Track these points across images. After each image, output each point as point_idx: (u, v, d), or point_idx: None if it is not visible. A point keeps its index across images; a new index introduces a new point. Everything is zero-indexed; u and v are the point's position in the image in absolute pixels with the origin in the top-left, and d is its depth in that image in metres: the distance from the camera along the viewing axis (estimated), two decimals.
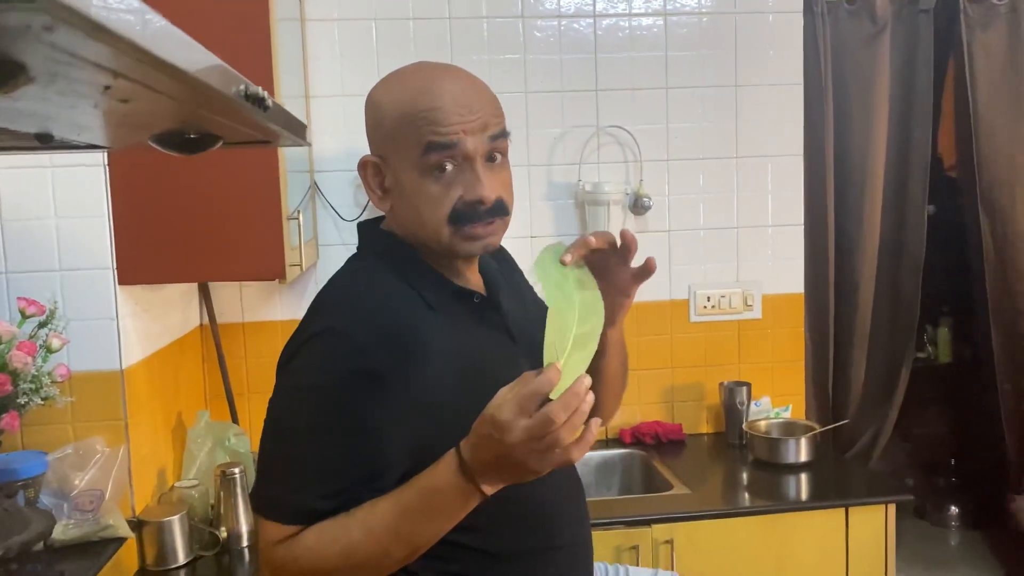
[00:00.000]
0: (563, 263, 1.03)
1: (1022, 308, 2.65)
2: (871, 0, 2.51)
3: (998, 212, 2.64)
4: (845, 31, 2.54)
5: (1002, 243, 2.65)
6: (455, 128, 1.05)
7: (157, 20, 0.39)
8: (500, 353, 1.17)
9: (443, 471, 0.94)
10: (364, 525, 0.98)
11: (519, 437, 0.87)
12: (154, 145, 0.75)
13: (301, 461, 1.02)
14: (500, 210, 1.09)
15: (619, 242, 1.11)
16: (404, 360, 1.02)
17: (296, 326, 1.11)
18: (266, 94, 0.58)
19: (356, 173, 2.36)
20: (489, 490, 0.94)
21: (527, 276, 1.39)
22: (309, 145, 1.02)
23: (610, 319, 1.13)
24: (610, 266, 1.11)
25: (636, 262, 1.15)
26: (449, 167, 1.06)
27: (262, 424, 1.09)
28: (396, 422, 1.01)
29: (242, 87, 0.54)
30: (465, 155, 1.06)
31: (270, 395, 1.09)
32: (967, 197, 2.70)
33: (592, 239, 1.08)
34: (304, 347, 1.05)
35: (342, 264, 1.18)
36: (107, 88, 0.46)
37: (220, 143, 0.79)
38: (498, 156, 1.10)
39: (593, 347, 0.99)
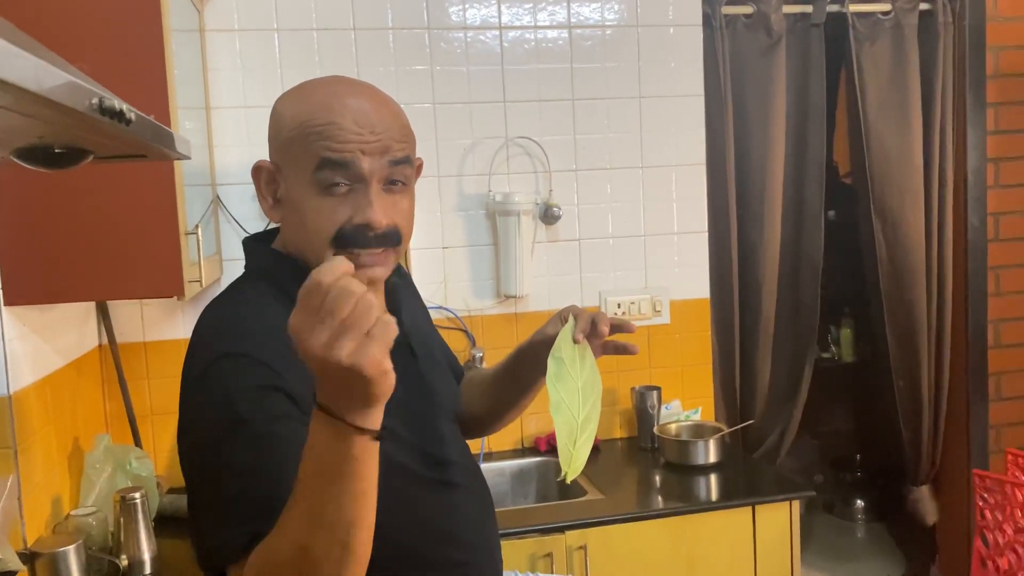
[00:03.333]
0: (576, 341, 1.12)
1: (913, 308, 2.79)
2: (766, 14, 2.61)
3: (889, 216, 2.77)
4: (743, 44, 2.63)
5: (893, 245, 2.78)
6: (351, 147, 1.01)
7: None
8: (402, 369, 1.16)
9: (312, 428, 0.83)
10: (278, 525, 0.86)
11: (302, 323, 0.76)
12: (17, 160, 0.72)
13: (239, 496, 0.92)
14: (391, 239, 1.05)
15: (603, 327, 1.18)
16: (302, 380, 0.99)
17: None
18: (125, 107, 0.56)
19: None
20: (350, 415, 0.79)
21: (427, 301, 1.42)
22: (188, 158, 0.98)
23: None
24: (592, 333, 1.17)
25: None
26: (342, 186, 1.02)
27: (167, 446, 1.02)
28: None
29: (95, 100, 0.53)
30: (359, 176, 1.02)
31: (175, 416, 1.04)
32: (862, 203, 2.83)
33: (605, 328, 1.15)
34: (203, 380, 0.99)
35: (225, 287, 1.13)
36: None
37: (91, 157, 0.76)
38: (399, 183, 1.06)
39: (596, 420, 1.13)
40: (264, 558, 0.86)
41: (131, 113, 0.59)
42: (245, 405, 0.95)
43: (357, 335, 0.76)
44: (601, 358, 1.19)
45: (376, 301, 0.77)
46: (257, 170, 1.10)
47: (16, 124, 0.56)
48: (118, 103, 0.56)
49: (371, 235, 1.03)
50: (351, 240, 1.03)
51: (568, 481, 1.12)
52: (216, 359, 0.98)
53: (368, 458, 0.81)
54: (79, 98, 0.52)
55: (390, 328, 0.77)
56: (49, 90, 0.45)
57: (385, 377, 0.78)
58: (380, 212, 1.03)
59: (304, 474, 0.82)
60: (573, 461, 1.11)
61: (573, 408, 1.11)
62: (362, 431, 0.79)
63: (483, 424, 1.40)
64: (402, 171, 1.06)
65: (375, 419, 0.80)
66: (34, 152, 0.68)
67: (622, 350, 1.20)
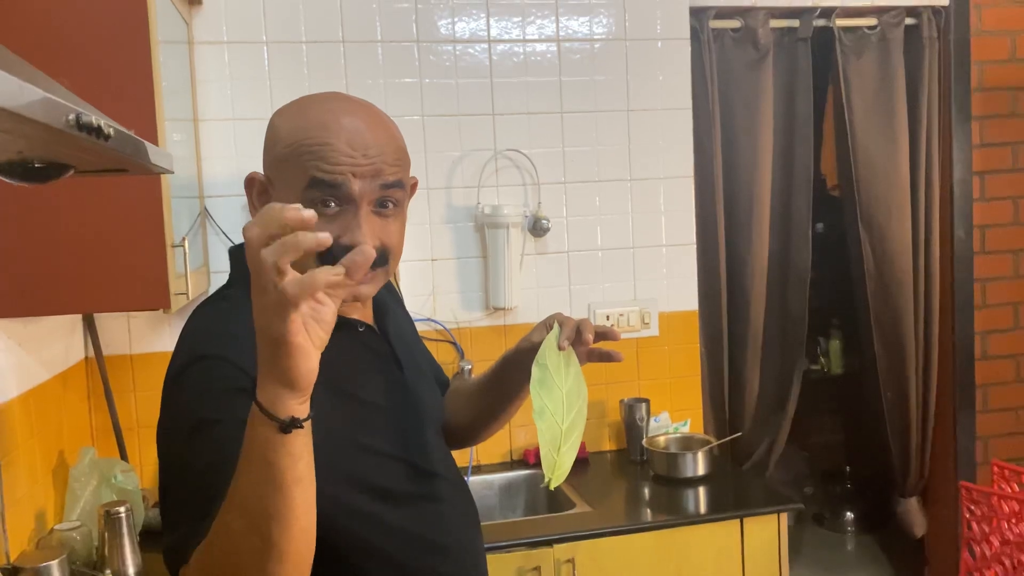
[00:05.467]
0: (560, 348, 1.12)
1: (900, 320, 2.80)
2: (753, 28, 2.62)
3: (876, 228, 2.78)
4: (730, 57, 2.65)
5: (880, 257, 2.79)
6: (343, 169, 1.02)
7: None
8: (386, 381, 1.16)
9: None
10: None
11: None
12: None
13: (197, 496, 0.92)
14: (378, 260, 1.04)
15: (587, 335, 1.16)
16: None
17: None
18: (103, 122, 0.56)
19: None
20: (263, 393, 0.78)
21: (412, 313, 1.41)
22: (171, 172, 0.98)
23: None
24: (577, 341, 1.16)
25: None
26: (332, 205, 1.02)
27: (153, 459, 1.01)
28: None
29: (72, 117, 0.53)
30: (349, 198, 1.02)
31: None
32: (849, 215, 2.84)
33: (589, 336, 1.13)
34: (177, 382, 1.00)
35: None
36: None
37: (71, 172, 0.76)
38: (390, 205, 1.06)
39: (581, 427, 1.11)
40: (202, 545, 0.87)
41: (110, 128, 0.59)
42: (215, 406, 0.95)
43: (263, 289, 0.74)
44: (590, 369, 1.19)
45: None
46: (250, 182, 1.10)
47: None
48: (96, 118, 0.56)
49: None
50: (336, 260, 1.03)
51: (552, 488, 1.11)
52: (193, 361, 0.99)
53: (277, 445, 0.79)
54: (55, 114, 0.52)
55: (290, 289, 0.73)
56: (24, 106, 0.45)
57: (288, 348, 0.75)
58: (368, 234, 1.03)
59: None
60: (557, 468, 1.10)
61: (557, 415, 1.11)
62: (267, 415, 0.78)
63: (469, 434, 1.40)
64: (393, 194, 1.06)
65: (285, 408, 0.78)
66: (13, 167, 0.68)
67: (607, 357, 1.20)
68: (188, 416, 0.96)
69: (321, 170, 1.01)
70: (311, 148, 1.02)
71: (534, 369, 1.11)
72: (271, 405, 0.78)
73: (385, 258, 1.06)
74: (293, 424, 0.78)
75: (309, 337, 0.77)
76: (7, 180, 0.72)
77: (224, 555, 0.84)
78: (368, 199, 1.03)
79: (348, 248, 1.01)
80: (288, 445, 0.79)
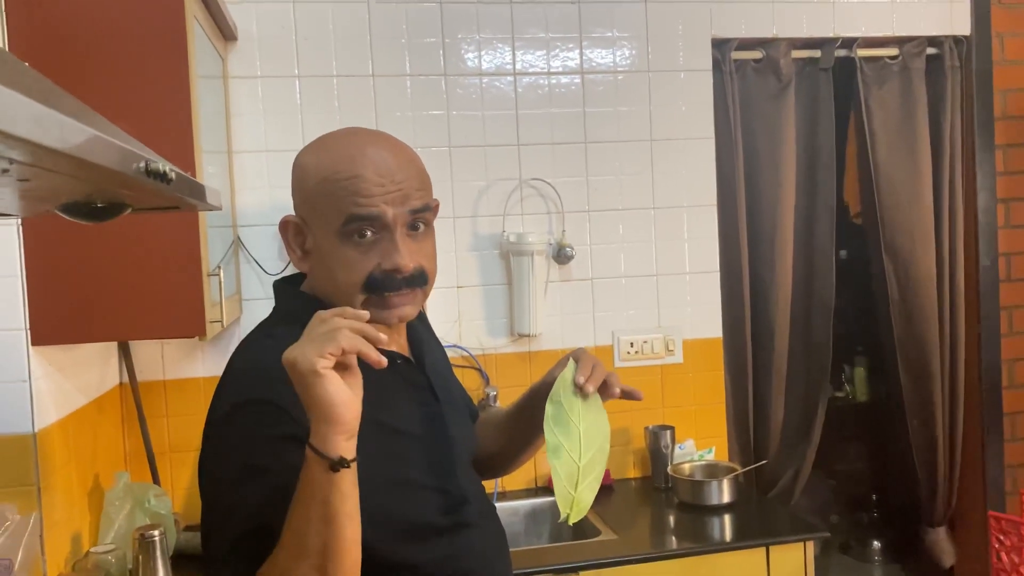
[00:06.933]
0: (576, 384, 1.11)
1: (926, 347, 2.79)
2: (775, 59, 2.66)
3: (900, 256, 2.78)
4: (752, 87, 2.68)
5: (905, 285, 2.79)
6: (375, 200, 1.07)
7: (48, 114, 0.41)
8: (423, 412, 1.19)
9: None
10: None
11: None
12: (61, 214, 0.76)
13: (247, 537, 0.96)
14: (418, 279, 1.11)
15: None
16: None
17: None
18: (168, 168, 0.60)
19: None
20: (315, 437, 0.88)
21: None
22: (219, 209, 1.03)
23: None
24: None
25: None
26: (369, 233, 1.08)
27: (184, 484, 1.06)
28: None
29: (142, 164, 0.57)
30: (385, 225, 1.08)
31: (193, 454, 1.07)
32: (872, 243, 2.85)
33: (617, 391, 1.15)
34: (224, 426, 1.03)
35: (255, 327, 1.17)
36: (5, 171, 0.48)
37: (128, 210, 0.80)
38: (421, 225, 1.12)
39: (603, 463, 1.10)
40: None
41: (172, 173, 0.63)
42: (266, 454, 0.98)
43: (306, 340, 0.89)
44: (615, 399, 1.20)
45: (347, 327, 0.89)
46: (284, 225, 1.14)
47: (67, 185, 0.60)
48: (162, 165, 0.60)
49: (399, 278, 1.09)
50: (381, 285, 1.09)
51: (571, 523, 1.10)
52: (242, 404, 1.02)
53: (328, 484, 0.87)
54: (128, 162, 0.56)
55: (336, 335, 0.87)
56: (105, 159, 0.49)
57: (318, 378, 0.86)
58: (407, 257, 1.08)
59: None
60: (576, 504, 1.09)
61: (574, 452, 1.09)
62: (318, 454, 0.87)
63: (497, 463, 1.42)
64: (422, 216, 1.12)
65: (334, 446, 0.87)
66: (78, 207, 0.73)
67: (627, 395, 1.21)
68: (236, 461, 1.00)
69: (357, 204, 1.07)
70: (342, 182, 1.07)
71: (548, 406, 1.10)
72: (322, 444, 0.86)
73: (424, 278, 1.12)
74: (341, 463, 0.86)
75: (344, 381, 0.87)
76: (71, 218, 0.76)
77: None
78: (401, 223, 1.09)
79: (389, 272, 1.07)
80: (338, 483, 0.87)
